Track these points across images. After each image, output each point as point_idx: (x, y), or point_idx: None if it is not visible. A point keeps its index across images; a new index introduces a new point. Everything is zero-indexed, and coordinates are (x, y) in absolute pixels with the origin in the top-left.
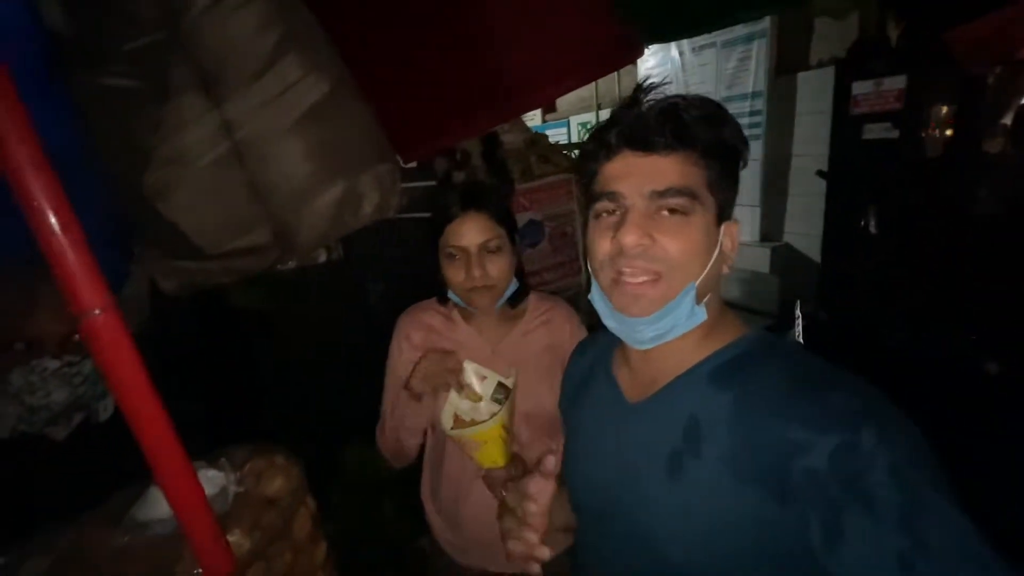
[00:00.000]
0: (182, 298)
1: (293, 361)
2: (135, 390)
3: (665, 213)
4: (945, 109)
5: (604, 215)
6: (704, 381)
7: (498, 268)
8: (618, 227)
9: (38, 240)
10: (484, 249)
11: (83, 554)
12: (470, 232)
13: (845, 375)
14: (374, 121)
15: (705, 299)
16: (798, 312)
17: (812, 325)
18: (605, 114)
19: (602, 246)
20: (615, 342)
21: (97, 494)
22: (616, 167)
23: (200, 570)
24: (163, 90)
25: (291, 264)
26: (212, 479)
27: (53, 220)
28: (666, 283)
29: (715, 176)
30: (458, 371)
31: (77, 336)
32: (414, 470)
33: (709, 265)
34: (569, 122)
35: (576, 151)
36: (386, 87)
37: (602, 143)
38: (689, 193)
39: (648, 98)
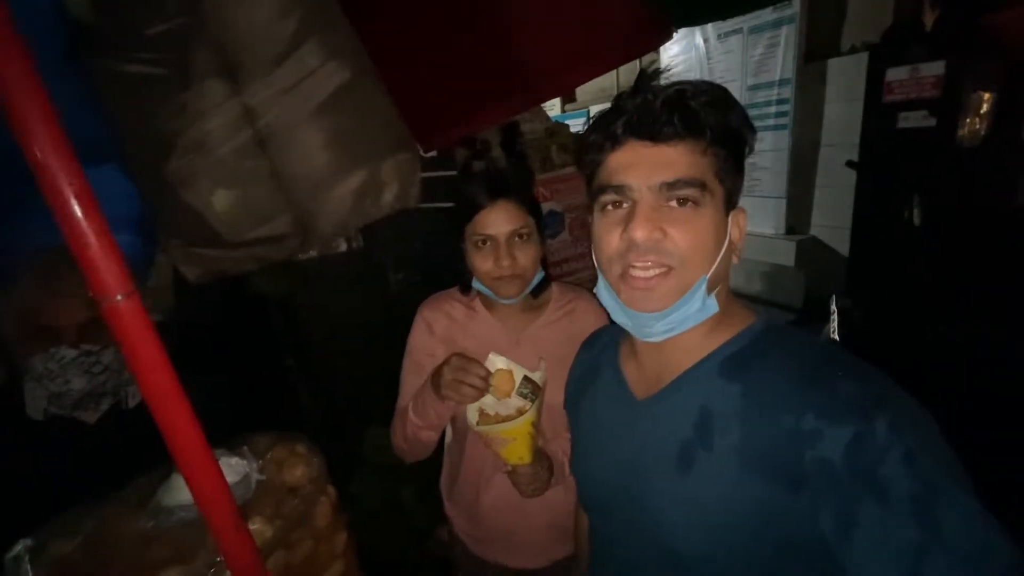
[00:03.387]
0: (206, 286)
1: (314, 348)
2: (156, 376)
3: (674, 204)
4: (987, 96)
5: (610, 208)
6: (714, 373)
7: (527, 257)
8: (627, 221)
9: (61, 226)
10: (513, 237)
11: (107, 537)
12: (499, 220)
13: (854, 362)
14: (394, 109)
15: (715, 290)
16: (833, 307)
17: (846, 320)
18: None
19: (610, 241)
20: (620, 336)
21: (128, 475)
22: (622, 158)
23: (220, 558)
24: (185, 76)
25: (312, 253)
26: (234, 467)
27: (75, 206)
28: (677, 277)
29: (723, 164)
30: (485, 382)
31: (99, 326)
32: (435, 455)
33: (720, 256)
34: (589, 112)
35: None
36: (406, 75)
37: (607, 133)
38: (699, 184)
39: (653, 85)
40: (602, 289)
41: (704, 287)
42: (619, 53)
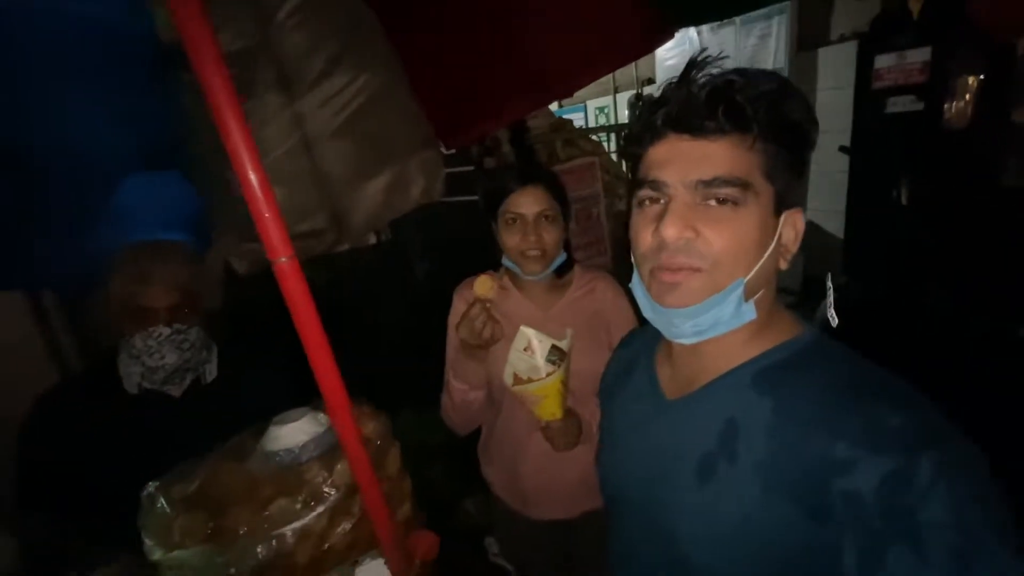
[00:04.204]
0: (253, 277)
1: (347, 334)
2: (309, 324)
3: (713, 203)
4: (972, 80)
5: (647, 204)
6: (747, 383)
7: (551, 236)
8: (660, 219)
9: (247, 201)
10: (540, 218)
11: (221, 480)
12: (528, 202)
13: (902, 388)
14: (421, 110)
15: (756, 296)
16: (830, 284)
17: (843, 299)
18: (622, 98)
19: (644, 238)
20: (660, 336)
21: (207, 443)
22: (661, 152)
23: (332, 489)
24: (251, 88)
25: (345, 246)
26: (321, 420)
27: (256, 187)
28: (708, 276)
29: (774, 161)
30: (491, 316)
31: (184, 309)
32: (459, 440)
33: (762, 260)
34: (586, 107)
35: (598, 135)
36: (432, 77)
37: (647, 124)
38: (740, 183)
39: (701, 75)
40: (636, 284)
41: (740, 291)
42: (623, 54)
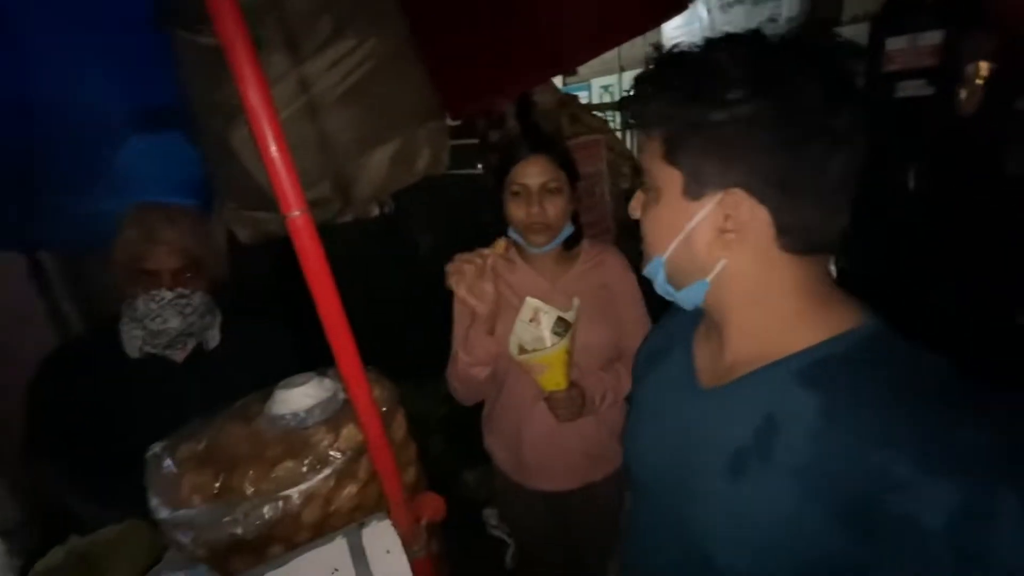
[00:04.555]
0: (257, 246)
1: (348, 306)
2: (322, 282)
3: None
4: (983, 66)
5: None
6: (791, 378)
7: (555, 208)
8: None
9: (261, 154)
10: (544, 189)
11: (229, 439)
12: (533, 172)
13: (985, 397)
14: (427, 80)
15: (699, 281)
16: (832, 268)
17: (845, 281)
18: (628, 77)
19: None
20: (699, 316)
21: (209, 407)
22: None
23: (337, 453)
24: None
25: (349, 217)
26: (327, 386)
27: (271, 140)
28: (646, 248)
29: (677, 146)
30: (482, 257)
31: (188, 273)
32: (459, 413)
33: (675, 243)
34: (591, 85)
35: (604, 112)
36: (441, 45)
37: None
38: (645, 172)
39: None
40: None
41: (660, 268)
42: (636, 24)
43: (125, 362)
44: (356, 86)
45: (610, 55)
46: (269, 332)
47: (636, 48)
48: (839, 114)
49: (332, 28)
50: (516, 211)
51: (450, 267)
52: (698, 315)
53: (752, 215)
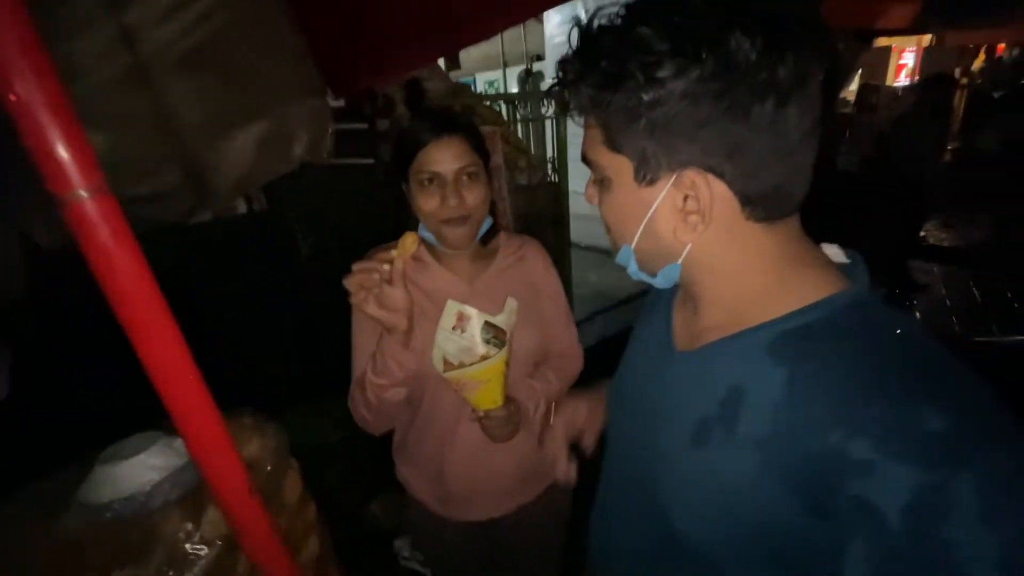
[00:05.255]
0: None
1: (217, 325)
2: (136, 286)
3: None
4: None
5: None
6: (761, 348)
7: (476, 196)
8: None
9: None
10: (461, 176)
11: (23, 544)
12: (445, 157)
13: (957, 377)
14: (305, 52)
15: (670, 265)
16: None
17: None
18: (512, 72)
19: None
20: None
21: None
22: None
23: (202, 546)
24: None
25: (206, 215)
26: (178, 448)
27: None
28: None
29: (617, 132)
30: (387, 260)
31: None
32: (358, 437)
33: (639, 231)
34: (475, 80)
35: (494, 103)
36: (321, 10)
37: None
38: (591, 164)
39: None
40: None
41: (630, 256)
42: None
43: None
44: (204, 47)
45: (494, 50)
46: (90, 372)
47: (520, 42)
48: (781, 65)
49: None
50: (427, 203)
51: (349, 281)
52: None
53: (711, 193)
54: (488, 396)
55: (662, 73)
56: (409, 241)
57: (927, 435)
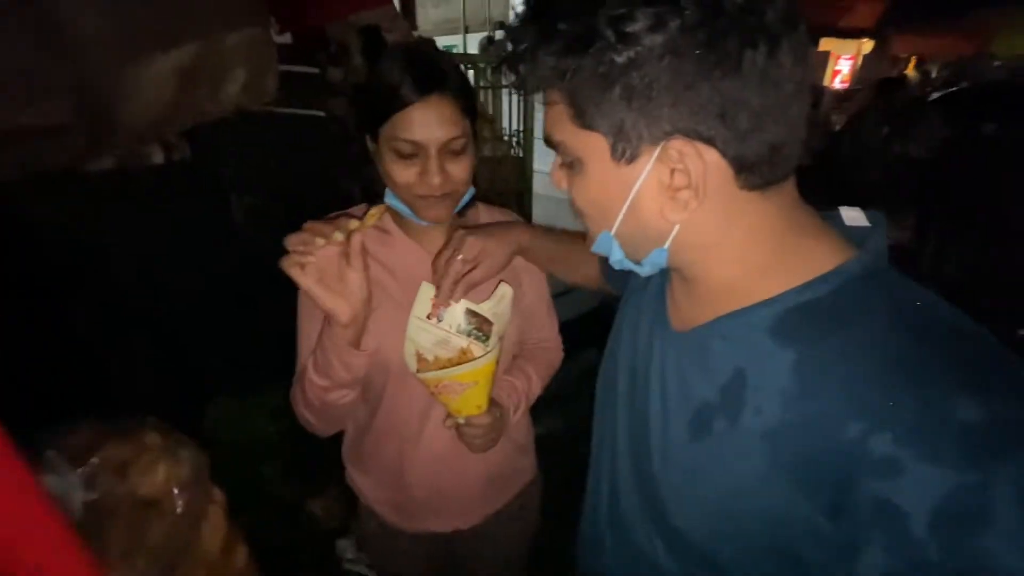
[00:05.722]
0: None
1: (121, 300)
2: None
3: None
4: None
5: None
6: (764, 328)
7: (462, 170)
8: None
9: None
10: (447, 147)
11: None
12: (430, 125)
13: (993, 360)
14: None
15: (656, 250)
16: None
17: None
18: (473, 38)
19: None
20: None
21: None
22: None
23: None
24: None
25: (108, 162)
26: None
27: None
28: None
29: (587, 106)
30: (343, 241)
31: None
32: (298, 430)
33: (622, 214)
34: (435, 43)
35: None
36: None
37: None
38: (558, 146)
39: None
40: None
41: (614, 244)
42: None
43: None
44: None
45: (455, 13)
46: None
47: (484, 7)
48: (770, 4)
49: None
50: (403, 175)
51: (291, 240)
52: None
53: (702, 162)
54: (472, 401)
55: (636, 27)
56: (375, 214)
57: (961, 429)
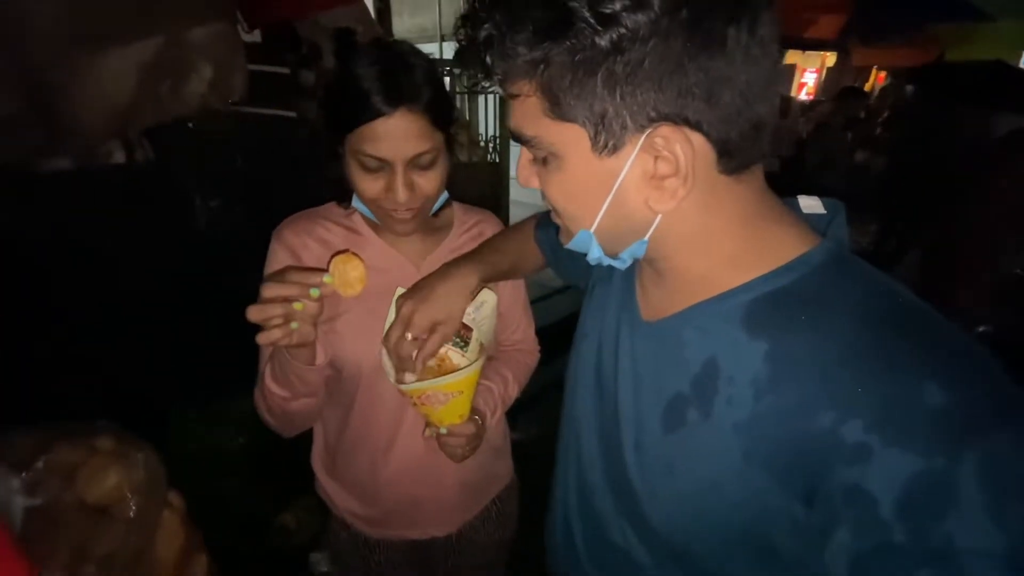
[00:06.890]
0: None
1: (78, 308)
2: None
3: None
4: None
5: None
6: (736, 317)
7: (432, 183)
8: None
9: None
10: (414, 164)
11: None
12: (396, 140)
13: (959, 346)
14: None
15: (637, 242)
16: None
17: None
18: (449, 47)
19: None
20: None
21: None
22: None
23: None
24: None
25: (66, 162)
26: None
27: None
28: (562, 220)
29: (563, 96)
30: (303, 286)
31: None
32: (265, 440)
33: (601, 212)
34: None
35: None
36: None
37: None
38: (530, 141)
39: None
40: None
41: (593, 241)
42: None
43: None
44: None
45: (431, 23)
46: None
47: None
48: None
49: None
50: (369, 188)
51: (253, 312)
52: None
53: (689, 147)
54: (455, 411)
55: (615, 6)
56: (352, 275)
57: (928, 414)
